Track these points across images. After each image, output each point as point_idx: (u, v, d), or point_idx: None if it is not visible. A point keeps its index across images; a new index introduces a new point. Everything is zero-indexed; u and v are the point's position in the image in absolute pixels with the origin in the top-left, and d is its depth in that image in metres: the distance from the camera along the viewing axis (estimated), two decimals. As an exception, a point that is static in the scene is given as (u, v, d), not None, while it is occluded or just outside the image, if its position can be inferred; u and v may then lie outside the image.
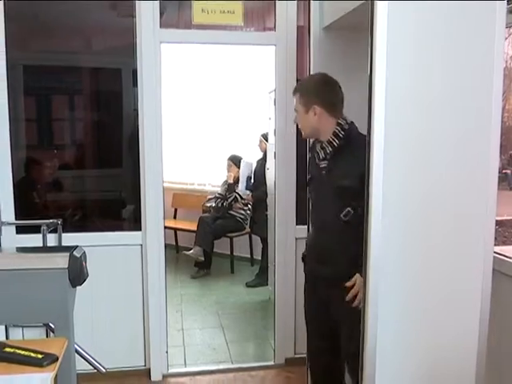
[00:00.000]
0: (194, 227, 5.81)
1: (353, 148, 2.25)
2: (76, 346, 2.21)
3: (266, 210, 4.77)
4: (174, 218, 6.64)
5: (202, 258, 5.68)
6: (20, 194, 3.25)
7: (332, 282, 2.29)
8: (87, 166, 3.94)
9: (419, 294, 2.05)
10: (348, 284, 2.21)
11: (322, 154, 2.34)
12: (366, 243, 1.97)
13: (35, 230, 3.10)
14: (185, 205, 6.67)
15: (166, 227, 3.50)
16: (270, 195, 4.43)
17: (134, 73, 3.27)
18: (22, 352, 1.76)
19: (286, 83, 3.33)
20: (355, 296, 2.20)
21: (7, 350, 1.77)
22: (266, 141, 5.00)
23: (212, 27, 3.32)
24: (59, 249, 2.71)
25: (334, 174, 2.29)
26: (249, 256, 6.12)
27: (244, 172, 5.66)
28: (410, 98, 1.94)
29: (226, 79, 6.12)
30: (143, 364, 3.40)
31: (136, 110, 3.34)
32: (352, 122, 2.33)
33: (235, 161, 5.81)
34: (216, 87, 6.21)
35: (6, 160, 3.12)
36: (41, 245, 2.99)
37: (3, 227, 3.05)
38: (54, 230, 3.12)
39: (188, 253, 5.71)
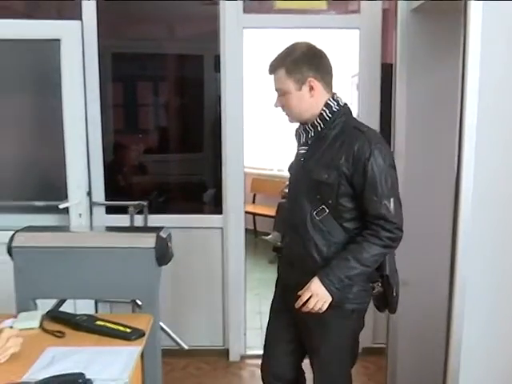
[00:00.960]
0: (272, 212, 5.85)
1: (339, 136, 1.88)
2: (160, 322, 2.30)
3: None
4: (253, 202, 6.71)
5: (281, 244, 5.70)
6: (108, 176, 3.41)
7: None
8: (170, 150, 4.05)
9: (509, 294, 1.96)
10: (299, 292, 1.87)
11: (303, 139, 2.00)
12: (454, 241, 1.90)
13: (122, 210, 3.24)
14: (264, 190, 6.72)
15: (245, 212, 3.54)
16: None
17: (216, 59, 3.32)
18: (112, 326, 1.86)
19: (370, 67, 3.26)
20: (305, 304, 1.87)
21: (98, 323, 1.88)
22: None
23: (294, 11, 3.29)
24: (146, 229, 2.81)
25: (311, 163, 1.92)
26: (326, 242, 6.07)
27: None
28: (503, 95, 1.85)
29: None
30: (222, 344, 3.49)
31: (218, 96, 3.39)
32: (345, 105, 1.96)
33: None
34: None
35: (98, 144, 3.29)
36: (128, 225, 3.13)
37: (94, 207, 3.22)
38: (140, 212, 3.24)
39: (266, 238, 5.76)
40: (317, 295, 1.83)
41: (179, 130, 4.03)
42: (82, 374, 1.50)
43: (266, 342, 2.22)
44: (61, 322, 1.92)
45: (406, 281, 2.46)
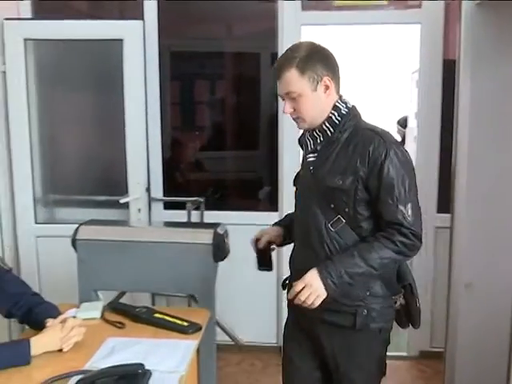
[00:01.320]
0: (327, 210, 5.78)
1: (351, 139, 1.73)
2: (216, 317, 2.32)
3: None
4: (307, 201, 6.67)
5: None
6: (166, 172, 3.47)
7: (321, 316, 1.75)
8: (226, 147, 4.08)
9: None
10: (294, 283, 1.71)
11: (310, 145, 1.82)
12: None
13: (179, 206, 3.30)
14: (318, 188, 6.66)
15: (301, 209, 3.52)
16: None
17: (273, 56, 3.32)
18: (170, 319, 1.90)
19: (431, 63, 3.18)
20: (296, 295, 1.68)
21: (157, 315, 1.93)
22: (402, 127, 4.82)
23: (353, 7, 3.25)
24: (203, 225, 2.85)
25: (323, 170, 1.75)
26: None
27: None
28: None
29: (365, 59, 5.96)
30: (275, 341, 3.49)
31: (274, 94, 3.37)
32: (354, 107, 1.80)
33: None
34: (355, 68, 6.07)
35: (157, 141, 3.35)
36: (185, 220, 3.18)
37: (152, 203, 3.29)
38: (197, 208, 3.29)
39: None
40: (310, 286, 1.65)
41: (235, 128, 4.05)
42: (141, 365, 1.53)
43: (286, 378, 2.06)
44: (121, 314, 1.97)
45: (469, 282, 2.39)
